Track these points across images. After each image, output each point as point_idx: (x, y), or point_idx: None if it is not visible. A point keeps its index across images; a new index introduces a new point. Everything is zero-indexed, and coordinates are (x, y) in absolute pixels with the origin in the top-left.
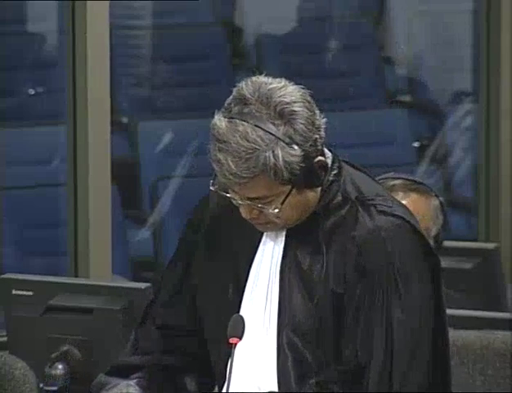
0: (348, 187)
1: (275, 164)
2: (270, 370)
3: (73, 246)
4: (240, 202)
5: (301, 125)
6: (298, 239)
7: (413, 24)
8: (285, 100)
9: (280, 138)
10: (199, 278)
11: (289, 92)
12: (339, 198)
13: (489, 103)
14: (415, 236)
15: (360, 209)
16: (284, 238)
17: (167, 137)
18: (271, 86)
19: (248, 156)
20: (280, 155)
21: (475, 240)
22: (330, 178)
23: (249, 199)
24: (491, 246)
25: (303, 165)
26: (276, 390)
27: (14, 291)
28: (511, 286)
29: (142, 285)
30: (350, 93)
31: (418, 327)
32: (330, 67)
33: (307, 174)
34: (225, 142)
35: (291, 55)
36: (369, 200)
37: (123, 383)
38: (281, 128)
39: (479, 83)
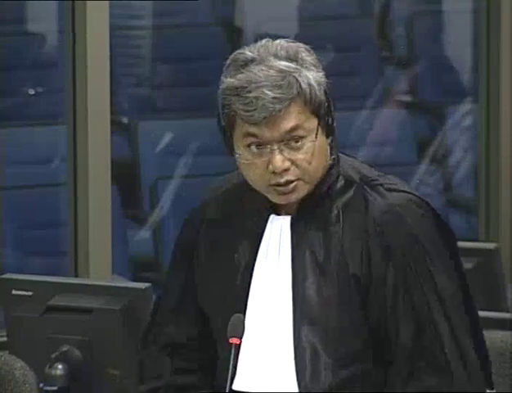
0: (348, 171)
1: (308, 82)
2: (286, 366)
3: (73, 246)
4: (271, 151)
5: (310, 58)
6: (306, 227)
7: (413, 24)
8: (285, 43)
9: (302, 65)
10: (203, 279)
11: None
12: (342, 182)
13: (489, 103)
14: (428, 208)
15: (367, 189)
16: (289, 225)
17: (167, 137)
18: (264, 41)
19: (282, 82)
20: (310, 75)
21: (475, 240)
22: (330, 162)
23: (282, 140)
24: (491, 246)
25: (326, 92)
26: (295, 385)
27: (14, 291)
28: (511, 286)
29: (142, 285)
30: (350, 93)
31: (463, 294)
32: (330, 67)
33: (328, 113)
34: (253, 82)
35: None
36: (373, 180)
37: None
38: (295, 62)
39: (479, 83)
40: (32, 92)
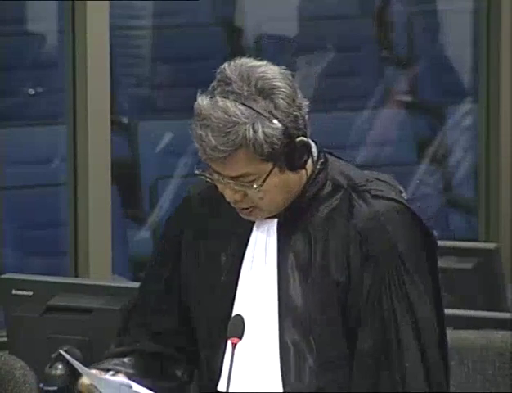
0: (336, 176)
1: (254, 137)
2: (272, 368)
3: (73, 246)
4: (222, 183)
5: (281, 100)
6: (292, 231)
7: (413, 24)
8: (266, 75)
9: (260, 113)
10: (188, 277)
11: (270, 69)
12: (329, 187)
13: (489, 103)
14: (414, 216)
15: (354, 195)
16: (276, 229)
17: (167, 137)
18: (251, 64)
19: (228, 130)
20: (259, 129)
21: (475, 240)
22: (318, 167)
23: (231, 178)
24: (491, 246)
25: (284, 141)
26: (280, 387)
27: (14, 291)
28: (511, 286)
29: None
30: (350, 93)
31: (433, 307)
32: (330, 67)
33: (289, 153)
34: (206, 118)
35: (291, 55)
36: (361, 186)
37: (110, 360)
38: (262, 103)
39: (479, 83)
40: (32, 92)
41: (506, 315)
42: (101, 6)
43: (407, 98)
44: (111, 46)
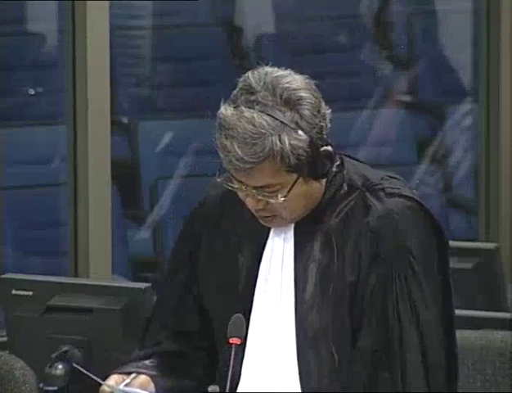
0: (352, 177)
1: (281, 149)
2: (290, 368)
3: (73, 246)
4: (246, 193)
5: (307, 111)
6: (308, 233)
7: (413, 24)
8: (292, 86)
9: (286, 124)
10: (204, 279)
11: (294, 79)
12: (345, 188)
13: (489, 103)
14: (427, 215)
15: (368, 195)
16: (292, 234)
17: (167, 137)
18: (276, 74)
19: (254, 141)
20: (286, 140)
21: (475, 240)
22: (334, 170)
23: (255, 188)
24: (491, 246)
25: (309, 151)
26: (299, 388)
27: (14, 291)
28: (511, 286)
29: (142, 285)
30: (350, 93)
31: (440, 308)
32: (331, 67)
33: (313, 163)
34: (231, 128)
35: (291, 55)
36: (376, 185)
37: (133, 363)
38: (288, 114)
39: (479, 83)
40: (32, 92)
41: (506, 315)
42: (101, 6)
43: (407, 98)
44: (111, 46)
